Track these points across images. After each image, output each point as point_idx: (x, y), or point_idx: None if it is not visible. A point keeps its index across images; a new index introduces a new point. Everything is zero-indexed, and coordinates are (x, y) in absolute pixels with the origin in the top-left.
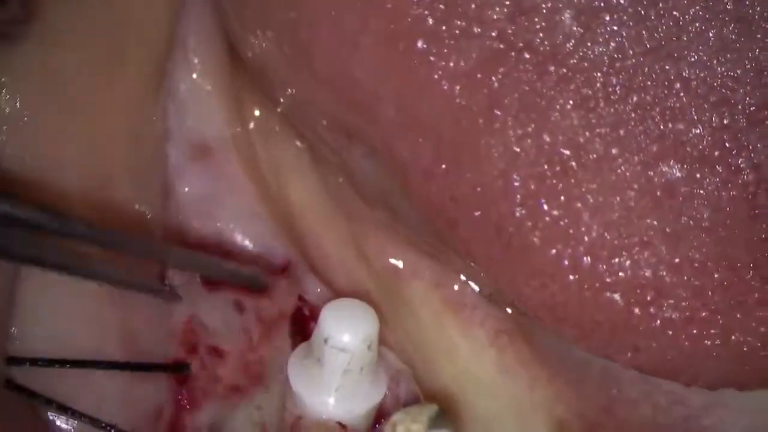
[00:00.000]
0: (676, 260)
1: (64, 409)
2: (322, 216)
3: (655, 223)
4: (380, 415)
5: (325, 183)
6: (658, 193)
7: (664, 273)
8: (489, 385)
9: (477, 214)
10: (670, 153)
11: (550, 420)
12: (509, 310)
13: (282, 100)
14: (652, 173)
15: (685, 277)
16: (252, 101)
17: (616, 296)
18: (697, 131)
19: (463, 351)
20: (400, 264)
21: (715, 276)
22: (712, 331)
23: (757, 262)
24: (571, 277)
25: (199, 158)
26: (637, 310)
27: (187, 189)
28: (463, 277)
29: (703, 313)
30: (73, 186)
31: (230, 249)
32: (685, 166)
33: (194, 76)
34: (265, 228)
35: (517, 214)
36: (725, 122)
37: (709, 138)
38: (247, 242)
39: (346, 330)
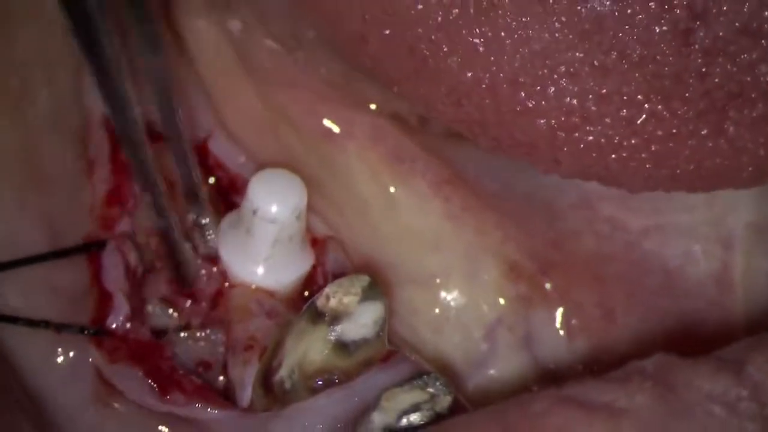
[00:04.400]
0: (604, 91)
1: None
2: (232, 80)
3: (583, 55)
4: (308, 283)
5: (228, 34)
6: (587, 26)
7: (591, 103)
8: (434, 238)
9: (387, 32)
10: None
11: (502, 264)
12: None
13: None
14: (580, 7)
15: (614, 108)
16: None
17: (540, 121)
18: None
19: (404, 206)
20: (329, 125)
21: (646, 107)
22: (643, 155)
23: (690, 96)
24: (488, 100)
25: None
26: (561, 133)
27: None
28: (374, 107)
29: (633, 141)
30: None
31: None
32: (616, 1)
33: None
34: (187, 97)
35: (433, 38)
36: None
37: None
38: None
39: (274, 201)
